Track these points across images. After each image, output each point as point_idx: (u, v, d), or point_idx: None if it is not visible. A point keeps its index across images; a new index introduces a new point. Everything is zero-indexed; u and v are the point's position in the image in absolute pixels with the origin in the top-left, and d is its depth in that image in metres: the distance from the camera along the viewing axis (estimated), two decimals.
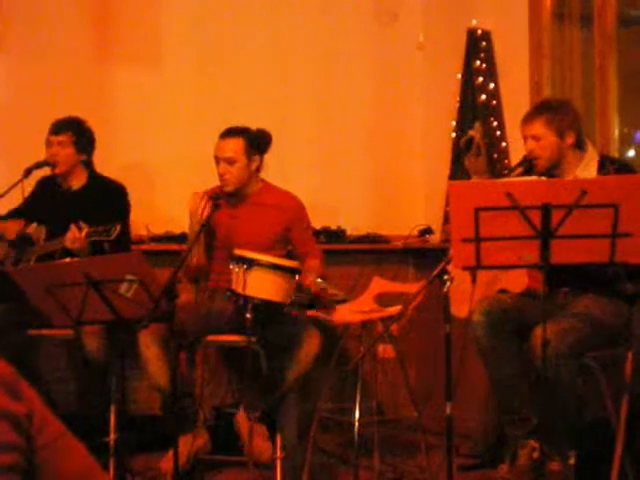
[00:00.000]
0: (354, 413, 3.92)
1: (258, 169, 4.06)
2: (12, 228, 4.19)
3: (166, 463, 3.57)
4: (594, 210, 2.73)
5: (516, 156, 3.52)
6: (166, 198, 5.02)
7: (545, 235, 2.76)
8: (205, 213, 3.69)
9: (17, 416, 1.28)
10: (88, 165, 4.32)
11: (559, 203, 2.73)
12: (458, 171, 5.04)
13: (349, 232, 5.26)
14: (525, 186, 2.88)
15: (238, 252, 3.50)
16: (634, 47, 4.85)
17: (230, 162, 3.94)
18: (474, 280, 3.20)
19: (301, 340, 3.67)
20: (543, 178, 3.17)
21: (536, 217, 2.76)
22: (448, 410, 3.16)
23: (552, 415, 3.15)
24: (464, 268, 2.96)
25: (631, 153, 4.75)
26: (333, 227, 5.21)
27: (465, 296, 3.31)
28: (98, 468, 1.45)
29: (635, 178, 2.93)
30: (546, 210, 2.74)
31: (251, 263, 3.41)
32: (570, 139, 3.43)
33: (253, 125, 4.20)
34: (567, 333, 3.15)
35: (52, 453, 1.34)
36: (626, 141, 4.71)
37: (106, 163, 4.53)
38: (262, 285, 3.40)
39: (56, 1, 5.06)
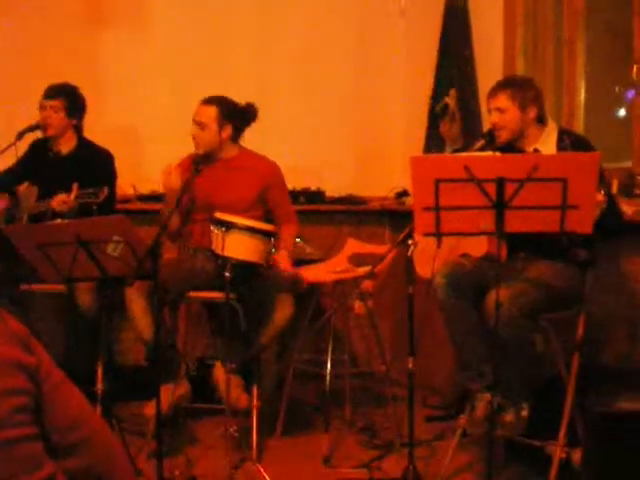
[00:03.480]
0: (325, 365, 4.17)
1: (233, 138, 4.26)
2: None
3: (149, 410, 3.79)
4: (545, 183, 2.94)
5: (489, 123, 3.72)
6: (152, 158, 5.17)
7: (499, 206, 2.97)
8: (178, 182, 3.91)
9: (30, 367, 1.54)
10: (78, 130, 4.52)
11: (513, 177, 2.94)
12: (433, 136, 5.23)
13: (328, 194, 5.44)
14: (481, 160, 3.09)
15: (218, 215, 3.72)
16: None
17: (201, 127, 4.18)
18: (439, 244, 3.39)
19: (275, 307, 3.94)
20: (498, 154, 3.37)
21: (492, 189, 2.97)
22: (410, 364, 3.41)
23: (505, 371, 3.38)
24: (425, 234, 3.17)
25: (622, 112, 4.83)
26: (313, 189, 5.40)
27: (430, 258, 3.53)
28: (91, 409, 1.73)
29: (581, 156, 3.12)
30: (500, 183, 2.95)
31: (229, 226, 3.64)
32: (532, 113, 3.63)
33: (237, 88, 4.39)
34: (519, 296, 3.37)
35: (55, 396, 1.60)
36: (618, 101, 4.86)
37: (94, 124, 4.71)
38: (239, 246, 3.63)
39: None
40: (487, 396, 3.46)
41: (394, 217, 5.42)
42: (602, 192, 3.07)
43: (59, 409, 1.60)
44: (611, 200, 3.23)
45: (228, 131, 4.22)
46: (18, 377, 1.51)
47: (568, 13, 4.64)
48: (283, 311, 3.94)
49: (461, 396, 4.11)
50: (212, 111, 4.18)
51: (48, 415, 1.57)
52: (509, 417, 3.50)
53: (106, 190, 3.98)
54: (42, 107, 4.42)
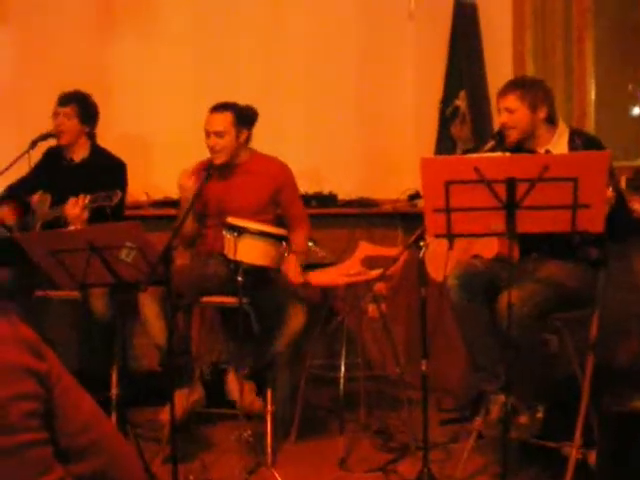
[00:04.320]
0: (339, 369, 4.17)
1: (246, 141, 4.27)
2: (8, 212, 4.42)
3: (164, 416, 3.80)
4: (556, 183, 2.93)
5: (499, 123, 3.72)
6: (165, 165, 5.21)
7: (510, 206, 2.97)
8: (195, 186, 3.91)
9: (40, 372, 1.55)
10: (91, 137, 4.55)
11: (523, 177, 2.94)
12: (444, 138, 5.23)
13: (340, 197, 5.43)
14: (491, 161, 3.09)
15: (230, 220, 3.74)
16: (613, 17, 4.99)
17: (219, 135, 4.16)
18: (451, 246, 3.39)
19: (288, 314, 3.95)
20: (507, 154, 3.37)
21: (502, 190, 2.97)
22: (423, 367, 3.41)
23: (519, 373, 3.38)
24: (436, 236, 3.17)
25: (636, 111, 4.82)
26: (325, 192, 5.40)
27: (442, 261, 3.53)
28: (102, 414, 1.72)
29: (591, 155, 3.12)
30: (511, 183, 2.95)
31: (241, 231, 3.65)
32: (542, 113, 3.63)
33: (247, 93, 4.41)
34: (531, 297, 3.36)
35: (65, 401, 1.60)
36: (629, 99, 4.84)
37: (107, 131, 4.74)
38: (251, 251, 3.64)
39: None
40: (501, 398, 3.46)
41: (407, 219, 5.40)
42: (611, 188, 3.07)
43: (69, 414, 1.61)
44: (620, 196, 3.22)
45: (245, 135, 4.23)
46: (28, 382, 1.52)
47: (577, 12, 4.63)
48: (297, 318, 3.94)
49: (476, 398, 4.10)
50: (228, 117, 4.17)
51: (58, 420, 1.58)
52: (524, 419, 3.49)
53: (119, 193, 4.00)
54: (55, 114, 4.46)
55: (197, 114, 4.33)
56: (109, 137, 4.78)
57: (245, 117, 4.21)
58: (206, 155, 4.25)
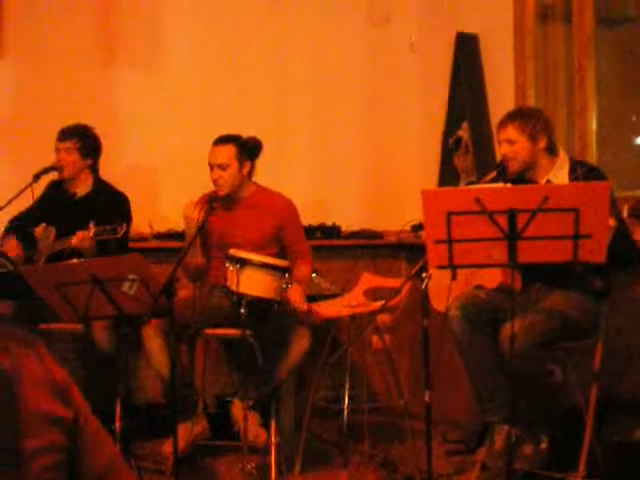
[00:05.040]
0: (343, 400, 4.16)
1: (250, 174, 4.29)
2: (12, 246, 4.44)
3: (167, 448, 3.80)
4: (557, 214, 2.95)
5: (500, 154, 3.74)
6: (168, 197, 5.25)
7: (512, 237, 2.99)
8: (200, 217, 3.92)
9: (67, 421, 1.49)
10: (94, 170, 4.56)
11: (524, 208, 2.95)
12: (447, 169, 5.25)
13: (344, 228, 5.45)
14: (492, 192, 3.10)
15: (232, 252, 3.75)
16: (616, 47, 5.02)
17: (223, 167, 4.18)
18: (454, 277, 3.39)
19: (292, 340, 3.93)
20: (509, 185, 3.39)
21: (503, 220, 2.98)
22: (427, 398, 3.39)
23: (523, 403, 3.37)
24: (438, 267, 3.17)
25: (638, 141, 4.87)
26: (328, 223, 5.41)
27: (445, 291, 3.53)
28: (121, 457, 1.68)
29: (591, 185, 3.14)
30: (512, 214, 2.96)
31: (244, 262, 3.67)
32: (542, 143, 3.64)
33: (252, 125, 4.43)
34: (533, 327, 3.36)
35: (89, 447, 1.55)
36: (632, 129, 4.86)
37: (110, 164, 4.76)
38: (254, 283, 3.66)
39: (59, 7, 5.25)
40: (505, 429, 3.45)
41: (411, 250, 5.40)
42: (613, 218, 3.08)
43: (92, 459, 1.56)
44: (622, 226, 3.23)
45: (247, 167, 4.25)
46: (55, 433, 1.47)
47: (578, 42, 4.66)
48: (300, 344, 3.93)
49: (481, 429, 4.09)
50: (231, 149, 4.20)
51: (79, 465, 1.53)
52: (528, 450, 3.49)
53: (124, 226, 4.02)
54: (57, 150, 4.46)
55: (201, 146, 4.35)
56: (114, 169, 4.80)
57: (248, 149, 4.23)
58: (211, 187, 4.27)
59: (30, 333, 1.65)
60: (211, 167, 4.21)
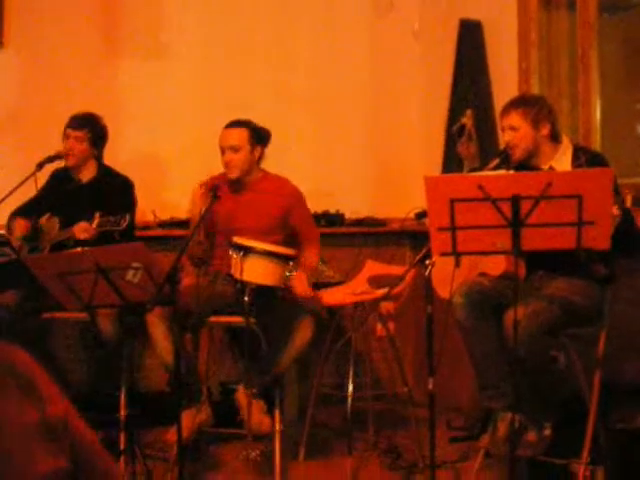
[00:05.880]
0: (347, 388, 4.17)
1: (259, 159, 4.29)
2: (20, 225, 4.44)
3: (171, 436, 3.79)
4: (560, 200, 2.94)
5: (503, 142, 3.74)
6: (172, 185, 5.27)
7: (515, 224, 2.98)
8: (203, 204, 3.92)
9: (61, 471, 1.44)
10: (98, 158, 4.56)
11: (527, 194, 2.95)
12: (451, 157, 5.24)
13: (348, 216, 5.46)
14: (495, 179, 3.09)
15: (236, 240, 3.75)
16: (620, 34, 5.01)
17: (235, 150, 4.18)
18: (458, 264, 3.38)
19: (296, 327, 3.92)
20: (512, 172, 3.38)
21: (507, 208, 2.97)
22: (430, 385, 3.40)
23: (526, 390, 3.37)
24: (441, 254, 3.17)
25: None
26: (332, 211, 5.42)
27: (449, 279, 3.53)
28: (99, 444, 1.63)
29: (594, 172, 3.13)
30: (515, 201, 2.96)
31: (247, 250, 3.66)
32: (545, 130, 3.63)
33: (256, 112, 4.43)
34: (536, 315, 3.36)
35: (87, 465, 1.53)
36: (635, 116, 4.85)
37: (115, 152, 4.76)
38: (257, 271, 3.65)
39: None
40: (509, 415, 3.45)
41: (414, 238, 5.42)
42: (617, 206, 3.07)
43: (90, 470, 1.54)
44: (626, 214, 3.22)
45: (258, 152, 4.25)
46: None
47: (581, 29, 4.65)
48: (303, 333, 3.92)
49: (484, 416, 4.09)
50: (244, 132, 4.20)
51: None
52: (531, 436, 3.48)
53: (128, 217, 4.02)
54: (66, 136, 4.45)
55: (206, 134, 4.35)
56: (118, 157, 4.80)
57: (259, 135, 4.24)
58: (215, 173, 4.27)
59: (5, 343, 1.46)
60: (222, 150, 4.21)
